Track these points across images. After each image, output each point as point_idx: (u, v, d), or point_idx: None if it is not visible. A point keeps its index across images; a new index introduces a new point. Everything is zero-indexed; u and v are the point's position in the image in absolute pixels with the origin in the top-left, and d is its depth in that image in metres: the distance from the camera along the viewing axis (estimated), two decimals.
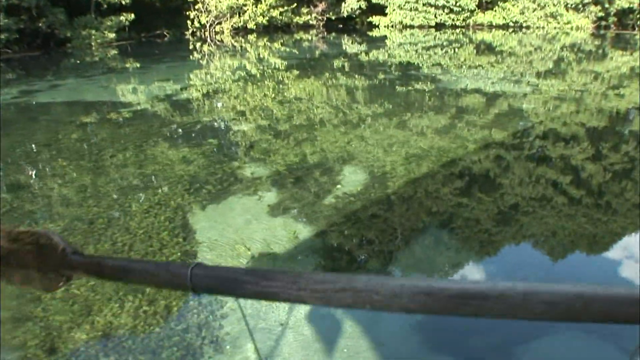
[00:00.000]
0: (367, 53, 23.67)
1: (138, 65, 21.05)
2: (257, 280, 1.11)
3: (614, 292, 0.91)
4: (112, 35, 29.60)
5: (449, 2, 40.04)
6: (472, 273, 4.87)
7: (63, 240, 1.44)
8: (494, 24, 41.38)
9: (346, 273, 1.06)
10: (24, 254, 1.53)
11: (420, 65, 19.07)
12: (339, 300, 1.03)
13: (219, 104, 12.79)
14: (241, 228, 5.68)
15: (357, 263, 5.05)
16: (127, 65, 21.18)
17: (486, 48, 24.76)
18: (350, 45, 27.83)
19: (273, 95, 13.52)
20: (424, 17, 41.57)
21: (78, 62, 23.55)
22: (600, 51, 22.57)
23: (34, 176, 7.66)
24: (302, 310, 4.12)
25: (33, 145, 9.19)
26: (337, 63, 20.42)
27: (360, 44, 28.21)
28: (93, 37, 28.65)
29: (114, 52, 27.02)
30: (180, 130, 10.22)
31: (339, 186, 6.81)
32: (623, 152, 8.14)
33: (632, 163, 7.65)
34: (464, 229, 5.65)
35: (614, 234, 5.56)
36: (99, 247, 5.22)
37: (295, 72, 17.73)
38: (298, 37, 33.53)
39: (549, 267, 4.98)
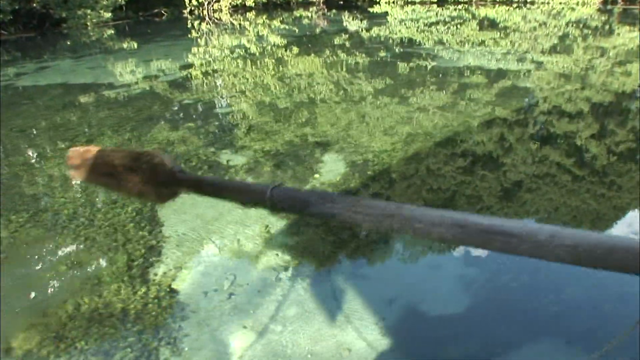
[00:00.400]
0: (368, 30, 23.51)
1: (135, 45, 20.93)
2: (323, 202, 1.37)
3: (635, 244, 0.95)
4: (108, 15, 29.39)
5: None
6: (475, 250, 4.88)
7: (172, 161, 1.82)
8: (497, 0, 41.04)
9: (395, 202, 1.24)
10: (142, 171, 1.93)
11: (422, 42, 18.93)
12: (388, 225, 1.23)
13: (218, 83, 12.75)
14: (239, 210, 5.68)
15: (357, 239, 5.05)
16: (124, 45, 21.06)
17: (489, 24, 24.56)
18: (351, 22, 27.62)
19: (273, 73, 13.45)
20: None
21: (73, 43, 23.44)
22: (606, 27, 22.40)
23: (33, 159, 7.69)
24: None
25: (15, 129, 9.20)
26: (337, 40, 20.28)
27: (361, 20, 27.98)
28: (89, 16, 28.42)
29: (110, 31, 26.87)
30: (178, 109, 10.20)
31: (339, 165, 6.80)
32: (629, 130, 8.10)
33: (638, 141, 7.61)
34: (466, 206, 5.65)
35: (618, 210, 5.56)
36: (59, 240, 5.20)
37: (295, 49, 17.62)
38: (298, 15, 33.32)
39: None
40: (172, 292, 4.25)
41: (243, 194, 1.67)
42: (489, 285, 4.28)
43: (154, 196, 1.97)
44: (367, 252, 4.82)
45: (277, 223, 5.34)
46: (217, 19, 31.51)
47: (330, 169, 6.71)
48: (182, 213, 5.66)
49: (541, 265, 4.39)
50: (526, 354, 3.47)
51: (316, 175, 6.51)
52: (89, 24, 28.62)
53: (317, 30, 24.67)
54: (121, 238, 5.15)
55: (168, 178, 1.86)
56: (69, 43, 23.23)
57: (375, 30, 23.03)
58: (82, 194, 6.27)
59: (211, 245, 5.00)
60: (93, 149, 2.26)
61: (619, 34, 19.72)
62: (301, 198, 1.45)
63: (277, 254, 4.78)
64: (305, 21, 28.84)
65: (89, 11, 28.40)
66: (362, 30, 23.65)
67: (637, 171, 6.50)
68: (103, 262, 4.73)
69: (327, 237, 4.98)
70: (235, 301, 4.07)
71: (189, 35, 23.75)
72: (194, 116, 9.68)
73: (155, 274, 4.50)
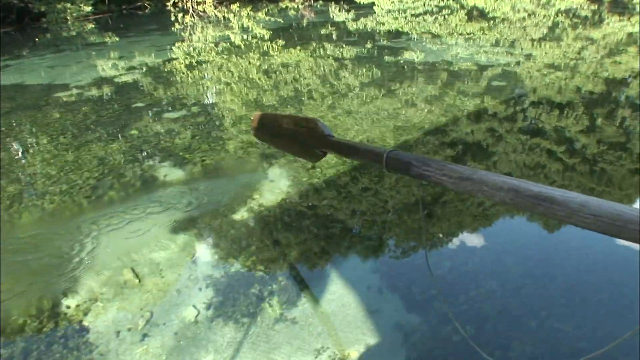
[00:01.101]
0: (354, 21, 23.47)
1: (117, 38, 20.74)
2: (421, 165, 1.75)
3: None
4: (88, 9, 29.08)
5: None
6: (469, 241, 4.91)
7: (324, 126, 2.30)
8: None
9: (471, 167, 1.59)
10: (301, 134, 2.42)
11: (410, 32, 18.92)
12: (464, 187, 1.57)
13: (202, 76, 12.67)
14: (236, 198, 5.68)
15: (350, 233, 5.07)
16: (106, 39, 20.85)
17: (478, 14, 24.58)
18: (337, 13, 27.52)
19: (258, 65, 13.41)
20: None
21: (52, 37, 23.21)
22: (596, 17, 22.47)
23: (20, 154, 7.65)
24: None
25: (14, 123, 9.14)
26: (324, 31, 20.24)
27: (347, 11, 27.87)
28: (69, 10, 28.14)
29: (91, 25, 26.63)
30: (162, 103, 10.15)
31: (327, 159, 6.80)
32: (619, 120, 8.16)
33: (628, 131, 7.67)
34: (455, 201, 5.68)
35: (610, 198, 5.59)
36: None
37: (281, 42, 17.57)
38: (283, 6, 33.15)
39: (544, 234, 5.04)
40: (82, 329, 3.91)
41: (368, 156, 2.04)
42: (484, 286, 4.31)
43: (309, 155, 2.48)
44: (388, 221, 4.85)
45: (204, 253, 4.96)
46: (201, 11, 31.31)
47: (317, 162, 6.72)
48: (105, 237, 5.27)
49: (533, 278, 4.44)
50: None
51: (303, 171, 6.51)
52: (68, 18, 28.34)
53: (303, 22, 24.61)
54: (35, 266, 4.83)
55: (321, 140, 2.31)
56: (48, 36, 23.01)
57: (362, 22, 22.99)
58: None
59: (131, 276, 4.60)
60: (269, 115, 2.84)
61: (608, 24, 19.80)
62: (406, 160, 1.82)
63: (199, 289, 4.41)
64: (291, 13, 28.70)
65: (68, 5, 28.11)
66: (348, 21, 23.60)
67: (627, 160, 6.56)
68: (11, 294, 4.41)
69: (255, 272, 4.61)
70: (148, 344, 3.76)
71: (172, 29, 23.58)
72: (177, 110, 9.63)
73: (68, 307, 4.20)
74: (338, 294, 4.18)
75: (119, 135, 8.26)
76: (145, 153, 7.42)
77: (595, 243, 4.78)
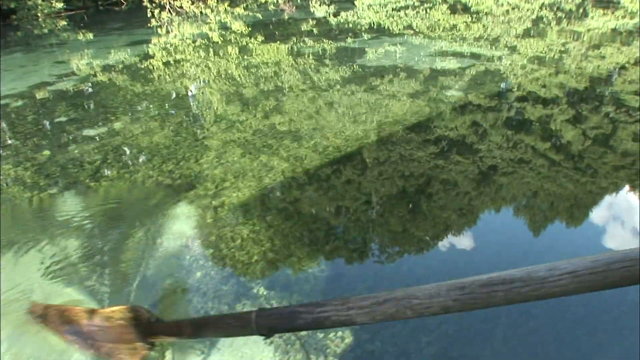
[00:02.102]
0: (335, 15, 23.48)
1: (91, 36, 20.51)
2: (312, 309, 1.36)
3: (633, 254, 1.00)
4: (59, 5, 28.74)
5: None
6: (456, 238, 4.91)
7: (147, 311, 1.86)
8: None
9: (385, 290, 1.28)
10: (114, 329, 1.87)
11: (391, 27, 18.96)
12: (383, 313, 1.24)
13: (180, 73, 12.58)
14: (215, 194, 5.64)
15: (334, 231, 5.05)
16: (79, 36, 20.63)
17: (461, 8, 24.69)
18: (318, 7, 27.50)
19: (238, 62, 13.35)
20: None
21: (23, 35, 22.92)
22: (580, 10, 22.67)
23: None
24: None
25: None
26: (304, 26, 20.21)
27: (328, 5, 27.89)
28: (39, 7, 27.78)
29: (63, 22, 26.33)
30: (140, 101, 10.06)
31: (310, 154, 6.79)
32: (603, 114, 8.22)
33: (613, 125, 7.74)
34: (441, 193, 5.69)
35: (595, 194, 5.65)
36: None
37: (260, 37, 17.52)
38: (262, 1, 33.03)
39: (530, 229, 5.06)
40: None
41: (227, 327, 1.62)
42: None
43: (124, 353, 1.88)
44: (373, 216, 4.83)
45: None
46: (178, 7, 31.12)
47: (301, 156, 6.71)
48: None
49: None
50: None
51: (286, 166, 6.49)
52: (39, 15, 27.99)
53: (283, 17, 24.55)
54: None
55: (144, 331, 1.84)
56: (18, 34, 22.71)
57: (342, 16, 23.00)
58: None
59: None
60: (56, 307, 2.25)
61: (592, 17, 19.99)
62: (288, 313, 1.42)
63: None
64: (271, 7, 28.61)
65: (39, 1, 27.77)
66: (329, 15, 23.61)
67: (611, 154, 6.61)
68: None
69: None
70: None
71: (149, 25, 23.39)
72: (155, 108, 9.55)
73: None
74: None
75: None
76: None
77: (585, 243, 4.82)
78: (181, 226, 5.17)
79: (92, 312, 2.03)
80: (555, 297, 1.07)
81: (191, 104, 9.76)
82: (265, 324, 1.45)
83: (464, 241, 4.85)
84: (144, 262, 4.49)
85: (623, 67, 11.31)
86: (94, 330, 1.94)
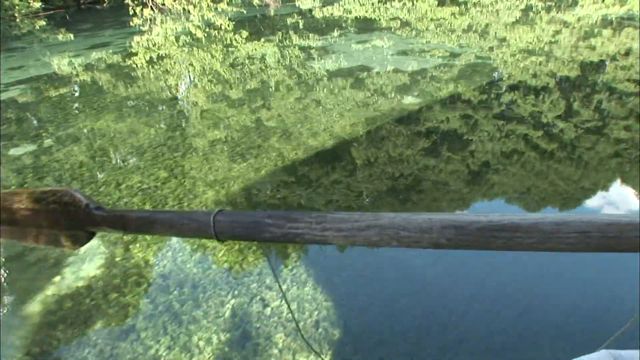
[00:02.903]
0: (321, 9, 23.42)
1: (72, 36, 20.38)
2: (282, 223, 1.20)
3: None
4: (37, 4, 28.50)
5: None
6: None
7: (85, 197, 1.61)
8: None
9: (371, 213, 1.12)
10: (48, 214, 1.70)
11: (378, 19, 18.93)
12: (364, 239, 1.12)
13: (164, 72, 12.49)
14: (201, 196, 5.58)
15: None
16: (59, 36, 20.48)
17: None
18: (303, 1, 27.46)
19: (222, 59, 13.27)
20: None
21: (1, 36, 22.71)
22: None
23: None
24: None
25: None
26: (290, 21, 20.15)
27: None
28: (17, 7, 27.52)
29: (42, 22, 26.12)
30: (126, 101, 9.97)
31: (297, 153, 6.73)
32: (594, 105, 8.22)
33: (604, 116, 7.73)
34: (433, 190, 5.65)
35: (587, 190, 5.63)
36: None
37: (245, 33, 17.43)
38: None
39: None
40: None
41: (180, 226, 1.44)
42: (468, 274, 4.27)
43: (66, 241, 1.74)
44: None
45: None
46: (160, 4, 30.96)
47: (288, 154, 6.65)
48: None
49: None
50: (526, 348, 3.48)
51: (272, 166, 6.43)
52: (17, 15, 27.74)
53: (268, 12, 24.47)
54: None
55: (82, 219, 1.65)
56: None
57: (328, 10, 22.95)
58: None
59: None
60: None
61: (582, 6, 20.03)
62: (253, 221, 1.27)
63: None
64: (256, 2, 28.51)
65: (16, 1, 27.50)
66: (315, 9, 23.54)
67: (604, 145, 6.60)
68: None
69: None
70: None
71: (132, 23, 23.26)
72: (140, 107, 9.47)
73: None
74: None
75: None
76: None
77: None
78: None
79: (21, 194, 1.80)
80: (560, 252, 0.99)
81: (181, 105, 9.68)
82: (225, 231, 1.30)
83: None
84: None
85: (614, 58, 11.33)
86: (27, 216, 1.78)
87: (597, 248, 0.96)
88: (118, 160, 7.08)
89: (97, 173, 6.72)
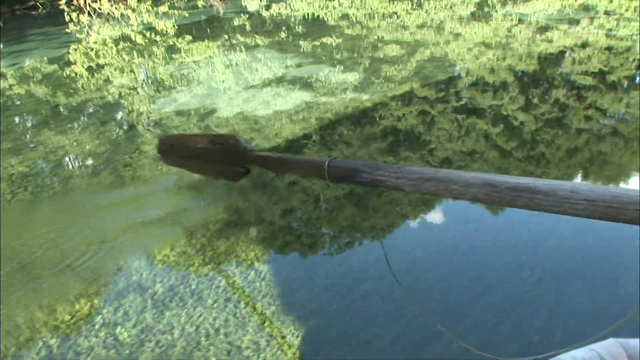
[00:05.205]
0: (268, 8, 23.33)
1: (1, 45, 19.80)
2: (371, 170, 1.65)
3: None
4: None
5: None
6: (412, 234, 4.85)
7: (245, 141, 2.20)
8: None
9: (433, 167, 1.48)
10: (218, 153, 2.32)
11: (326, 18, 18.94)
12: (427, 188, 1.48)
13: (104, 80, 12.17)
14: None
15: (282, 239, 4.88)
16: None
17: None
18: (250, 1, 27.30)
19: (165, 64, 13.02)
20: None
21: None
22: None
23: None
24: None
25: None
26: (236, 22, 20.00)
27: None
28: None
29: None
30: (65, 112, 9.66)
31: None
32: (553, 98, 8.30)
33: (563, 110, 7.81)
34: (392, 193, 5.58)
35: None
36: None
37: (189, 37, 17.19)
38: None
39: (488, 216, 5.02)
40: None
41: (304, 168, 1.98)
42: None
43: (230, 174, 2.37)
44: (321, 219, 4.67)
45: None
46: (97, 8, 30.44)
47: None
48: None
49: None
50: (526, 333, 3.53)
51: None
52: None
53: (213, 13, 24.26)
54: None
55: (241, 157, 2.22)
56: None
57: (275, 9, 22.88)
58: None
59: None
60: (176, 136, 2.72)
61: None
62: (354, 168, 1.71)
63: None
64: (200, 4, 28.23)
65: None
66: (262, 9, 23.43)
67: (563, 140, 6.66)
68: None
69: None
70: None
71: (67, 30, 22.75)
72: (81, 118, 9.19)
73: None
74: None
75: None
76: None
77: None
78: None
79: (200, 136, 2.58)
80: (571, 216, 1.20)
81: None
82: (334, 173, 1.76)
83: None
84: None
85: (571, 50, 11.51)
86: (204, 152, 2.40)
87: (601, 216, 1.14)
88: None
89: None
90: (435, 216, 5.18)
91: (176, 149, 2.69)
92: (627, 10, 16.25)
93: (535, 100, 8.22)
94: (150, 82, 11.39)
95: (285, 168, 2.09)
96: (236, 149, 2.24)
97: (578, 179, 5.83)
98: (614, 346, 1.98)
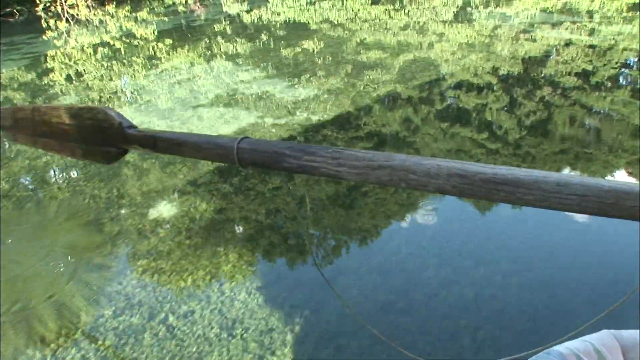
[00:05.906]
0: (249, 12, 23.32)
1: None
2: (300, 155, 1.34)
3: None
4: None
5: None
6: (398, 235, 4.85)
7: (119, 116, 1.80)
8: None
9: (384, 152, 1.18)
10: (84, 129, 1.92)
11: (307, 21, 18.94)
12: (376, 177, 1.23)
13: (84, 88, 12.07)
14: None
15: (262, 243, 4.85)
16: None
17: None
18: (231, 5, 27.26)
19: (145, 71, 12.95)
20: None
21: None
22: None
23: None
24: None
25: None
26: (217, 27, 19.96)
27: (241, 3, 27.70)
28: None
29: None
30: None
31: None
32: (538, 98, 8.34)
33: (548, 110, 7.85)
34: (379, 192, 5.58)
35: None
36: None
37: (169, 42, 17.12)
38: (170, 2, 32.55)
39: (477, 217, 5.01)
40: None
41: (206, 150, 1.60)
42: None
43: (100, 156, 1.96)
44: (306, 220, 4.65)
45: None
46: (75, 14, 30.27)
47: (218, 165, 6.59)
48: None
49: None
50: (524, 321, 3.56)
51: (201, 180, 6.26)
52: None
53: (193, 18, 24.20)
54: None
55: (115, 136, 1.82)
56: None
57: (256, 13, 22.87)
58: None
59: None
60: (27, 107, 2.22)
61: (520, 0, 20.46)
62: (274, 150, 1.40)
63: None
64: (180, 9, 28.17)
65: None
66: (243, 13, 23.40)
67: (548, 141, 6.69)
68: None
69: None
70: None
71: (45, 37, 22.58)
72: None
73: None
74: None
75: None
76: None
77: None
78: None
79: (60, 109, 2.04)
80: (558, 211, 1.06)
81: None
82: (247, 157, 1.45)
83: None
84: None
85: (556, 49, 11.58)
86: (65, 130, 1.99)
87: (594, 212, 1.01)
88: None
89: None
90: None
91: (26, 123, 2.26)
92: (608, 10, 16.41)
93: (519, 99, 8.27)
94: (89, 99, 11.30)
95: (177, 149, 1.69)
96: (108, 125, 1.84)
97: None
98: (608, 337, 1.99)
